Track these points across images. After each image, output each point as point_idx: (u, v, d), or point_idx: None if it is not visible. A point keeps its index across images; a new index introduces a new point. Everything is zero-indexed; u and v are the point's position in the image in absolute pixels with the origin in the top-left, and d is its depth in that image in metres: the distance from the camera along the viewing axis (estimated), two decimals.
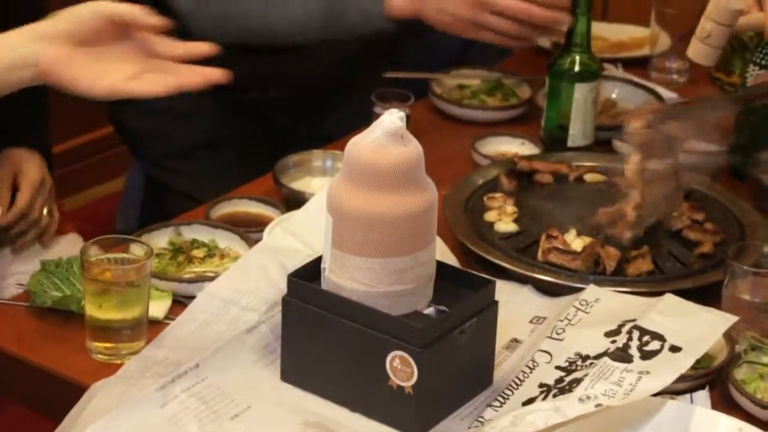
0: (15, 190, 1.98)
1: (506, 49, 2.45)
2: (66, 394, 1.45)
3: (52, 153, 2.08)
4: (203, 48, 1.47)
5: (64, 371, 1.49)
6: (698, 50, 1.81)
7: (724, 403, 1.47)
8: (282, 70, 2.18)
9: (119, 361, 1.50)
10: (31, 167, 1.98)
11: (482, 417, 1.42)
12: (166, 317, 1.58)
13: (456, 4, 1.92)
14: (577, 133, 1.99)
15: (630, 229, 1.70)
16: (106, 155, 3.31)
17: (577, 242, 1.70)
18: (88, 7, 1.43)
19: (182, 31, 1.90)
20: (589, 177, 1.88)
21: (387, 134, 1.39)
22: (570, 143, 1.99)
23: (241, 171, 2.02)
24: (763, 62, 1.96)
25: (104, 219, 2.73)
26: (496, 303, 1.46)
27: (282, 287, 1.48)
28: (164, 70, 1.45)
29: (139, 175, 2.37)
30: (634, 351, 1.45)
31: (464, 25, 1.97)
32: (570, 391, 1.40)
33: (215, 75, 1.45)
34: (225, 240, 1.72)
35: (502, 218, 1.77)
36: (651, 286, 1.64)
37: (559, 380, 1.44)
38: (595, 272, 1.66)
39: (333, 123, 2.18)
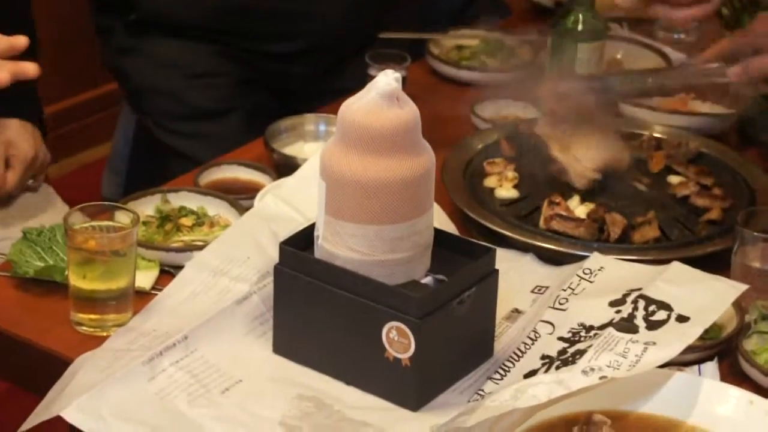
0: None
1: (507, 8, 2.44)
2: (49, 367, 1.45)
3: (44, 119, 2.05)
4: (21, 41, 1.50)
5: (48, 344, 1.48)
6: None
7: (734, 374, 1.46)
8: (300, 12, 2.16)
9: (105, 334, 1.49)
10: (23, 141, 1.95)
11: (482, 390, 1.42)
12: (154, 288, 1.57)
13: None
14: None
15: (579, 178, 1.72)
16: (91, 120, 3.29)
17: (580, 209, 1.69)
18: None
19: None
20: None
21: (382, 96, 1.38)
22: None
23: (252, 137, 2.01)
24: None
25: (91, 186, 2.71)
26: (496, 272, 1.45)
27: (274, 256, 1.47)
28: None
29: (127, 139, 2.35)
30: (639, 321, 1.45)
31: None
32: (573, 362, 1.39)
33: (26, 69, 1.47)
34: (214, 207, 1.71)
35: (503, 184, 1.77)
36: (657, 253, 1.63)
37: (562, 352, 1.44)
38: (599, 240, 1.65)
39: (349, 82, 2.16)
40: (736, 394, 1.37)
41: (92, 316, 1.50)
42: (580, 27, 1.96)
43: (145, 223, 1.66)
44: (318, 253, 1.42)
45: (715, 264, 1.59)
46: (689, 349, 1.41)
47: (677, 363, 1.42)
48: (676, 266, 1.55)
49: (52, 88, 2.09)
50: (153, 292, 1.56)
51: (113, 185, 2.39)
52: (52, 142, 2.11)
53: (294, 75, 2.22)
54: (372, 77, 1.73)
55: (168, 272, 1.60)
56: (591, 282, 1.55)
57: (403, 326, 1.37)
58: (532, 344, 1.47)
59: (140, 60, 2.20)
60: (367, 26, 2.22)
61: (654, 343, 1.40)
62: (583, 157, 1.73)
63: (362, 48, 2.21)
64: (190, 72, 2.18)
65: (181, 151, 2.16)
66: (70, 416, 1.33)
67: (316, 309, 1.42)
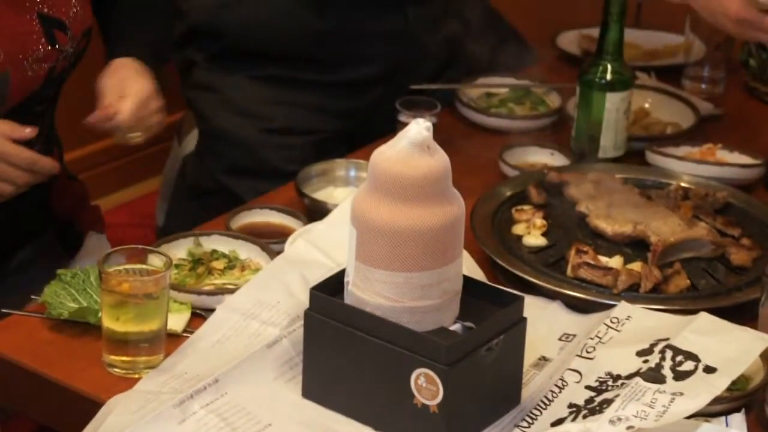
0: None
1: (535, 56, 2.45)
2: (81, 409, 1.45)
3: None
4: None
5: (80, 385, 1.49)
6: None
7: (761, 426, 1.45)
8: (381, 33, 2.15)
9: (136, 375, 1.49)
10: (138, 80, 1.85)
11: None
12: (185, 330, 1.58)
13: (722, 15, 1.79)
14: (609, 143, 1.98)
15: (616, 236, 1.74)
16: (125, 161, 3.29)
17: (612, 261, 1.69)
18: None
19: None
20: None
21: (413, 145, 1.38)
22: (601, 155, 1.98)
23: None
24: None
25: (120, 226, 2.73)
26: (524, 320, 1.45)
27: (304, 301, 1.47)
28: None
29: (176, 165, 2.35)
30: (667, 371, 1.44)
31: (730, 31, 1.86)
32: (600, 411, 1.38)
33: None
34: (246, 251, 1.72)
35: (531, 231, 1.76)
36: (685, 303, 1.63)
37: (589, 400, 1.43)
38: (628, 288, 1.64)
39: None
40: None
41: (124, 358, 1.50)
42: (608, 76, 1.96)
43: (177, 267, 1.67)
44: (348, 299, 1.42)
45: (743, 315, 1.59)
46: (716, 400, 1.40)
47: (704, 414, 1.41)
48: (704, 317, 1.54)
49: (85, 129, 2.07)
50: (184, 334, 1.57)
51: (162, 212, 2.40)
52: (89, 181, 2.11)
53: (373, 103, 2.20)
54: (403, 124, 1.73)
55: (199, 315, 1.60)
56: (618, 331, 1.55)
57: (431, 373, 1.36)
58: (560, 392, 1.46)
59: (218, 101, 2.17)
60: (443, 46, 2.22)
61: (681, 394, 1.39)
62: (620, 217, 1.75)
63: (442, 72, 2.21)
64: (267, 126, 2.15)
65: (242, 199, 2.07)
66: None
67: (346, 354, 1.42)
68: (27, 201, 1.85)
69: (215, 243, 1.73)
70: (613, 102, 1.96)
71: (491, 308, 1.44)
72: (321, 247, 1.64)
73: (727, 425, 1.43)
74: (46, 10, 1.71)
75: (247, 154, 2.16)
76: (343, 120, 2.19)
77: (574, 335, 1.58)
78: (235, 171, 2.17)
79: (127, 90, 1.82)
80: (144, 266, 1.52)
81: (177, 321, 1.57)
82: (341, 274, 1.44)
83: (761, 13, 1.70)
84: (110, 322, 1.49)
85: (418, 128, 1.39)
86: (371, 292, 1.40)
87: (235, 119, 2.17)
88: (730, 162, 1.99)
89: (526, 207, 1.81)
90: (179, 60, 2.24)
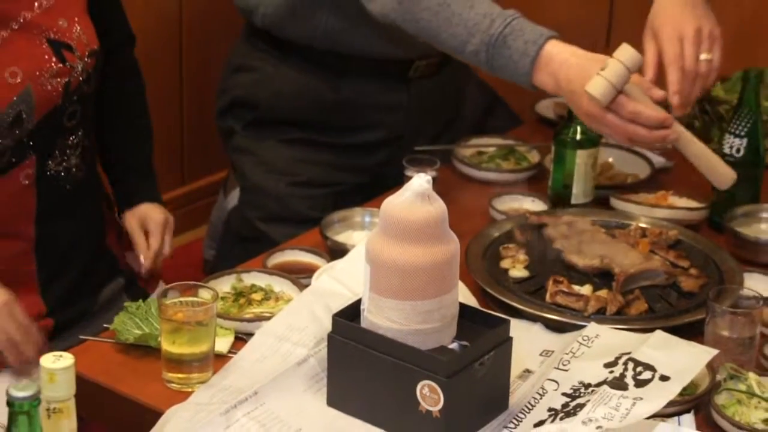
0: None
1: (518, 120, 2.47)
2: (145, 418, 1.46)
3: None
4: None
5: (144, 398, 1.50)
6: (594, 82, 1.68)
7: (707, 425, 1.46)
8: (387, 104, 2.17)
9: (190, 390, 1.51)
10: (153, 212, 1.94)
11: None
12: (230, 351, 1.59)
13: (576, 108, 1.76)
14: (579, 192, 2.00)
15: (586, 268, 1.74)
16: (178, 213, 3.31)
17: (583, 288, 1.70)
18: None
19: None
20: None
21: (416, 195, 1.40)
22: (573, 201, 1.99)
23: None
24: (738, 131, 1.96)
25: (174, 267, 2.74)
26: (510, 339, 1.46)
27: (327, 325, 1.48)
28: None
29: (221, 220, 2.38)
30: (629, 380, 1.45)
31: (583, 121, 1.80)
32: (574, 414, 1.39)
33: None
34: (279, 285, 1.73)
35: (516, 265, 1.78)
36: (644, 323, 1.63)
37: (565, 405, 1.44)
38: (596, 312, 1.66)
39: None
40: None
41: (180, 375, 1.52)
42: (578, 136, 1.98)
43: (223, 299, 1.68)
44: (364, 324, 1.44)
45: (691, 332, 1.60)
46: (670, 403, 1.41)
47: (660, 415, 1.42)
48: (659, 334, 1.55)
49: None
50: (229, 354, 1.58)
51: (210, 249, 2.43)
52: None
53: (381, 161, 2.21)
54: (408, 178, 1.75)
55: (241, 338, 1.61)
56: (589, 347, 1.56)
57: (433, 384, 1.38)
58: (540, 399, 1.47)
59: (255, 162, 2.19)
60: (442, 114, 2.23)
61: (641, 399, 1.40)
62: (589, 253, 1.76)
63: (442, 134, 2.22)
64: (294, 180, 2.17)
65: (276, 242, 2.06)
66: None
67: (363, 369, 1.43)
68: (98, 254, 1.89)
69: (254, 278, 1.74)
70: (582, 157, 1.98)
71: (483, 330, 1.45)
72: (341, 281, 1.65)
73: (679, 424, 1.44)
74: (52, 35, 1.73)
75: (279, 205, 2.18)
76: (356, 175, 2.21)
77: (552, 351, 1.59)
78: (270, 219, 2.19)
79: (146, 222, 1.93)
80: (195, 299, 1.54)
81: (223, 344, 1.59)
82: (358, 302, 1.46)
83: (603, 110, 1.70)
84: (168, 345, 1.51)
85: (420, 181, 1.41)
86: (383, 317, 1.41)
87: (268, 176, 2.19)
88: (680, 206, 2.00)
89: (511, 245, 1.83)
90: (222, 128, 2.28)
